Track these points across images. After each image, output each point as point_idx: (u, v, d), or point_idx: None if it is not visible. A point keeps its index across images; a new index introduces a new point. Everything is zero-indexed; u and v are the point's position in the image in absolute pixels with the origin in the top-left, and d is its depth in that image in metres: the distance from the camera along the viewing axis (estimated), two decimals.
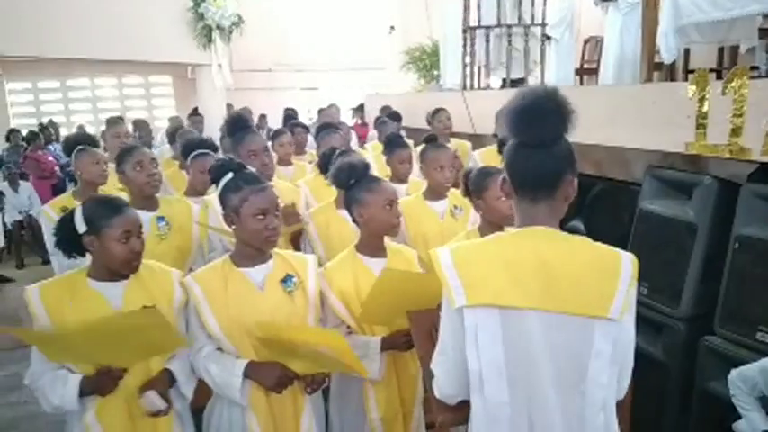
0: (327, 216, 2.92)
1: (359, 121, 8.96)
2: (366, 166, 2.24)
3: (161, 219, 2.65)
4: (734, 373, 2.33)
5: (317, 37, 11.34)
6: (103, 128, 7.69)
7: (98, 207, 1.90)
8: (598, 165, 4.24)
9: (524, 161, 1.33)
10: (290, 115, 7.17)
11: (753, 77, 3.44)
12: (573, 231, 3.97)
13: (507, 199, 1.41)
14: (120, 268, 1.90)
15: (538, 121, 1.30)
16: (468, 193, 2.48)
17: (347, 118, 9.78)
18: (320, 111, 8.98)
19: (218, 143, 4.29)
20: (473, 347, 1.30)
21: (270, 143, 4.08)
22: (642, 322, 1.35)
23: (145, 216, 2.61)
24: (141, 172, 2.64)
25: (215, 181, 2.03)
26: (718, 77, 5.31)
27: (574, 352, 1.30)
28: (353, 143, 6.07)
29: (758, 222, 2.71)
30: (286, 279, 2.01)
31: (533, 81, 6.35)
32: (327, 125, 4.05)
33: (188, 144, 3.40)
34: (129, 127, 6.91)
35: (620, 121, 3.60)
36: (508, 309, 1.29)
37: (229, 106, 9.02)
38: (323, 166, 3.09)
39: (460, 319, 1.31)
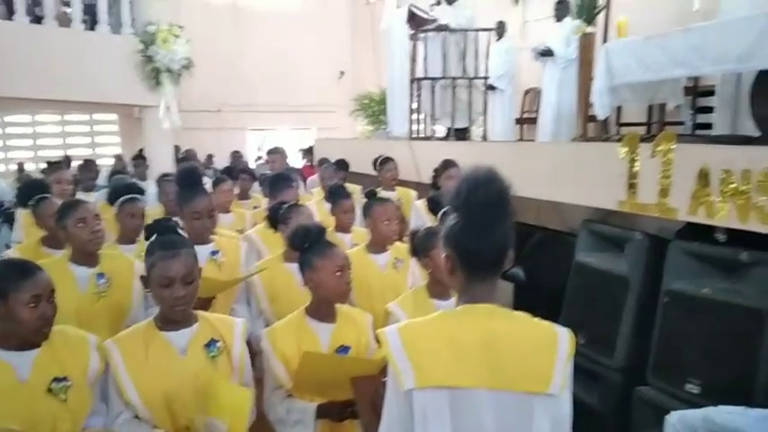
0: (273, 270, 2.91)
1: (308, 163, 9.00)
2: (320, 231, 2.26)
3: (101, 275, 2.57)
4: (674, 415, 2.40)
5: (268, 78, 11.40)
6: (44, 166, 7.50)
7: (5, 270, 1.80)
8: (537, 215, 4.41)
9: (474, 243, 1.36)
10: (235, 158, 7.15)
11: (679, 135, 3.70)
12: (513, 278, 4.12)
13: (450, 276, 1.43)
14: (28, 336, 1.79)
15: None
16: (415, 252, 2.52)
17: (297, 159, 9.84)
18: (269, 152, 9.01)
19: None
20: (421, 430, 1.31)
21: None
22: (579, 372, 1.39)
23: (84, 272, 2.56)
24: (84, 228, 2.55)
25: (148, 238, 2.00)
26: (649, 131, 5.65)
27: (519, 429, 1.33)
28: (301, 188, 6.09)
29: (686, 277, 2.87)
30: (210, 344, 1.96)
31: (477, 130, 6.59)
32: (280, 177, 4.05)
33: (115, 190, 3.32)
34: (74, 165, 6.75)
35: (557, 177, 3.77)
36: (457, 389, 1.31)
37: (177, 147, 8.91)
38: (272, 220, 3.09)
39: (409, 402, 1.32)
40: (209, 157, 9.30)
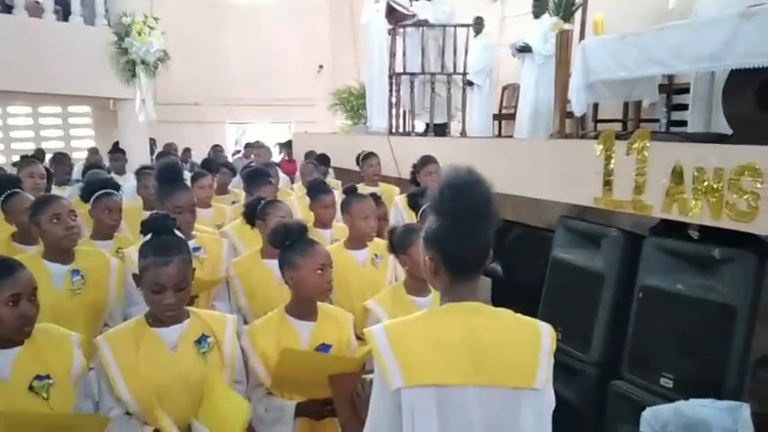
0: (251, 266, 2.89)
1: (286, 158, 8.95)
2: (302, 229, 2.25)
3: (75, 272, 2.53)
4: (648, 411, 2.47)
5: (246, 71, 11.28)
6: (16, 159, 7.33)
7: None
8: (515, 210, 4.44)
9: (459, 246, 1.37)
10: (216, 152, 7.07)
11: (654, 133, 3.75)
12: (491, 274, 4.13)
13: (434, 277, 1.43)
14: (9, 334, 1.77)
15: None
16: (393, 248, 2.53)
17: (274, 153, 9.77)
18: (247, 145, 8.92)
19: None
20: (409, 428, 1.32)
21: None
22: (557, 367, 1.41)
23: (59, 269, 2.51)
24: (58, 225, 2.50)
25: (144, 234, 1.96)
26: (625, 128, 5.73)
27: (505, 424, 1.35)
28: (281, 183, 6.05)
29: (660, 273, 2.92)
30: (200, 340, 1.96)
31: (456, 125, 6.61)
32: (257, 173, 4.02)
33: (89, 185, 3.24)
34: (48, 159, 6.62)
35: (535, 173, 3.81)
36: (444, 387, 1.33)
37: (153, 140, 8.79)
38: (249, 216, 3.07)
39: (397, 401, 1.33)
40: (187, 150, 9.19)
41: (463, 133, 6.28)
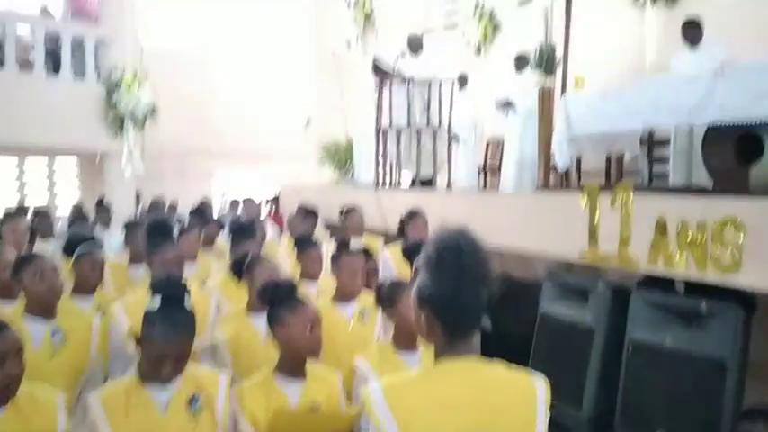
0: (237, 323, 2.84)
1: (273, 212, 8.95)
2: (291, 286, 2.22)
3: (56, 332, 2.47)
4: None
5: (234, 125, 11.40)
6: None
7: None
8: (503, 264, 4.44)
9: (458, 307, 1.37)
10: (203, 206, 7.04)
11: (637, 186, 3.82)
12: (480, 329, 4.08)
13: (429, 335, 1.42)
14: None
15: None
16: (381, 303, 2.50)
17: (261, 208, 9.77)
18: (233, 203, 8.92)
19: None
20: None
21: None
22: (548, 424, 1.40)
23: (39, 327, 2.46)
24: (41, 282, 2.47)
25: (155, 292, 1.91)
26: (608, 181, 5.82)
27: None
28: (269, 235, 6.03)
29: (648, 327, 2.92)
30: (192, 399, 1.91)
31: (442, 178, 6.68)
32: (244, 228, 4.01)
33: (72, 240, 3.21)
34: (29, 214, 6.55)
35: (521, 226, 3.83)
36: None
37: (139, 195, 8.77)
38: (235, 271, 3.03)
39: None
40: (172, 208, 9.16)
41: (449, 186, 6.34)
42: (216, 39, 11.88)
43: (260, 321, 2.32)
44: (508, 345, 4.08)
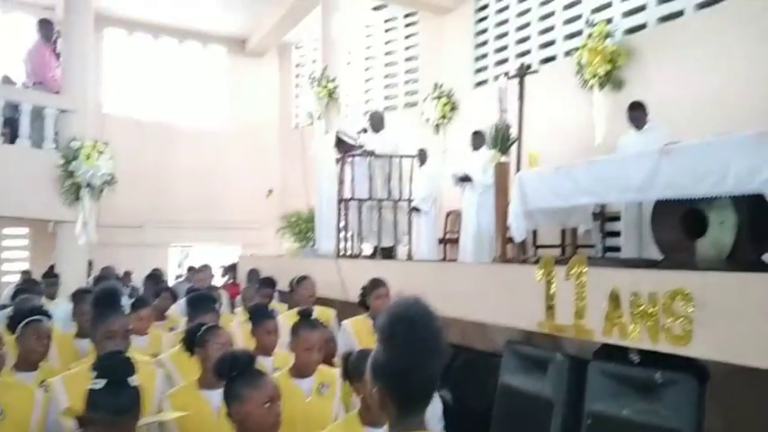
0: (187, 398, 2.72)
1: (230, 281, 8.80)
2: (249, 359, 2.16)
3: None
4: None
5: (194, 194, 11.36)
6: None
7: None
8: (462, 335, 4.43)
9: (409, 380, 1.35)
10: (156, 276, 6.89)
11: (590, 258, 3.92)
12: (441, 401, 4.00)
13: (381, 408, 1.40)
14: None
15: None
16: (347, 376, 2.45)
17: (217, 277, 9.60)
18: (190, 269, 8.75)
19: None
20: None
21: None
22: None
23: None
24: None
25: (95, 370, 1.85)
26: (563, 253, 5.97)
27: None
28: (224, 305, 5.90)
29: (606, 398, 2.92)
30: None
31: (403, 249, 6.74)
32: (201, 298, 3.91)
33: (17, 312, 3.13)
34: None
35: (480, 297, 3.86)
36: None
37: (91, 263, 8.52)
38: (188, 343, 2.94)
39: None
40: (127, 274, 8.92)
41: (410, 257, 6.39)
42: (180, 109, 12.03)
43: (213, 396, 2.24)
44: (470, 418, 4.03)
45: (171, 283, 8.52)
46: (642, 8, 6.93)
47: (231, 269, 9.08)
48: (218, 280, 9.15)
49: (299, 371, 2.98)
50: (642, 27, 6.92)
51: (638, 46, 6.79)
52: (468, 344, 4.45)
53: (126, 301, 4.20)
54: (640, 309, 2.77)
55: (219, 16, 11.29)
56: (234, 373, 2.09)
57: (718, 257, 3.38)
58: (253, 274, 6.58)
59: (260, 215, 11.51)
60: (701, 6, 6.32)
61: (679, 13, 6.53)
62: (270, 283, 5.68)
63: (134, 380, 1.88)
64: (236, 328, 4.20)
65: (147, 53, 11.87)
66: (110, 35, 11.50)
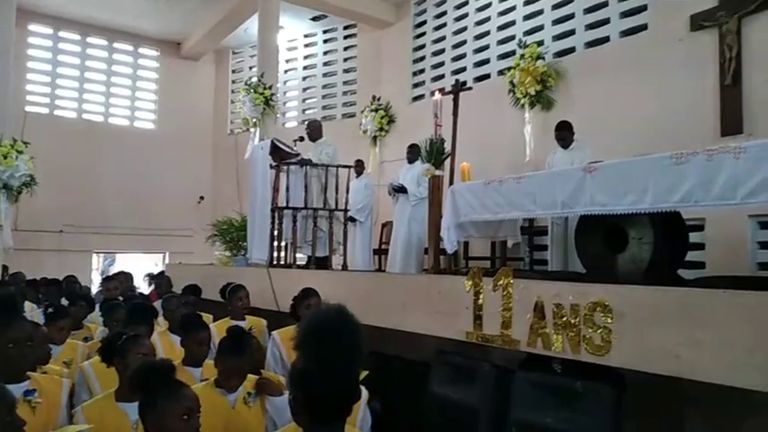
0: (103, 410, 2.60)
1: (156, 290, 8.46)
2: (168, 369, 2.08)
3: None
4: None
5: (120, 199, 10.93)
6: None
7: None
8: (396, 345, 4.44)
9: (321, 389, 1.34)
10: (69, 283, 6.55)
11: (518, 270, 4.03)
12: (371, 411, 4.02)
13: (295, 417, 1.37)
14: None
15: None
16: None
17: (144, 285, 9.25)
18: (106, 278, 8.36)
19: None
20: None
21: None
22: None
23: None
24: None
25: None
26: (493, 266, 6.11)
27: None
28: None
29: (530, 407, 3.00)
30: None
31: (337, 259, 6.71)
32: (118, 306, 3.75)
33: None
34: None
35: (412, 307, 3.89)
36: None
37: (5, 268, 8.03)
38: (106, 352, 2.81)
39: None
40: (44, 280, 8.45)
41: (344, 267, 6.36)
42: (109, 111, 11.57)
43: (130, 409, 2.14)
44: (400, 427, 4.03)
45: (94, 291, 8.14)
46: (572, 32, 7.25)
47: (159, 277, 8.75)
48: (146, 289, 8.81)
49: (224, 382, 2.91)
50: (571, 50, 7.23)
51: (567, 68, 7.10)
52: (400, 354, 4.46)
53: (37, 310, 3.98)
54: (563, 320, 2.87)
55: (153, 18, 10.97)
56: (151, 384, 2.02)
57: (637, 271, 3.54)
58: (161, 279, 6.37)
59: (190, 222, 11.21)
60: (625, 34, 6.68)
61: (605, 39, 6.87)
62: (195, 290, 5.53)
63: (34, 396, 1.78)
64: (156, 339, 4.06)
65: (75, 51, 11.36)
66: (35, 31, 10.95)
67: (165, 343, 3.89)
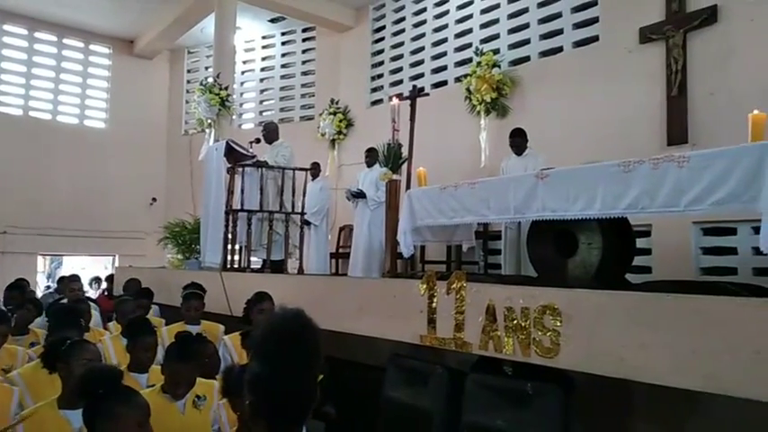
0: (44, 419, 2.50)
1: (105, 293, 8.22)
2: (117, 375, 2.02)
3: None
4: None
5: (67, 199, 10.55)
6: None
7: None
8: (350, 349, 4.43)
9: (279, 394, 1.32)
10: (19, 287, 6.29)
11: (472, 274, 4.07)
12: (324, 416, 4.01)
13: (253, 422, 1.35)
14: None
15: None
16: (227, 392, 2.36)
17: (91, 288, 8.98)
18: (61, 279, 8.08)
19: None
20: None
21: None
22: None
23: None
24: None
25: None
26: (449, 269, 6.16)
27: None
28: (95, 320, 5.49)
29: (481, 410, 3.03)
30: None
31: (293, 262, 6.66)
32: (65, 310, 3.62)
33: None
34: None
35: (367, 311, 3.89)
36: None
37: None
38: (49, 358, 2.71)
39: None
40: None
41: (300, 271, 6.31)
42: (57, 108, 11.18)
43: (74, 417, 2.06)
44: (353, 431, 4.02)
45: (39, 294, 7.84)
46: (527, 42, 7.40)
47: (108, 280, 8.50)
48: (93, 292, 8.55)
49: (171, 389, 2.84)
50: (526, 59, 7.38)
51: (522, 77, 7.24)
52: (355, 358, 4.45)
53: None
54: (514, 323, 2.91)
55: (105, 15, 10.64)
56: (101, 391, 1.95)
57: (587, 276, 3.64)
58: (131, 284, 6.21)
59: (142, 224, 10.92)
60: (578, 44, 6.86)
61: (559, 49, 7.04)
62: (148, 294, 5.40)
63: None
64: (108, 344, 3.94)
65: (22, 46, 10.93)
66: None
67: (117, 347, 3.78)
